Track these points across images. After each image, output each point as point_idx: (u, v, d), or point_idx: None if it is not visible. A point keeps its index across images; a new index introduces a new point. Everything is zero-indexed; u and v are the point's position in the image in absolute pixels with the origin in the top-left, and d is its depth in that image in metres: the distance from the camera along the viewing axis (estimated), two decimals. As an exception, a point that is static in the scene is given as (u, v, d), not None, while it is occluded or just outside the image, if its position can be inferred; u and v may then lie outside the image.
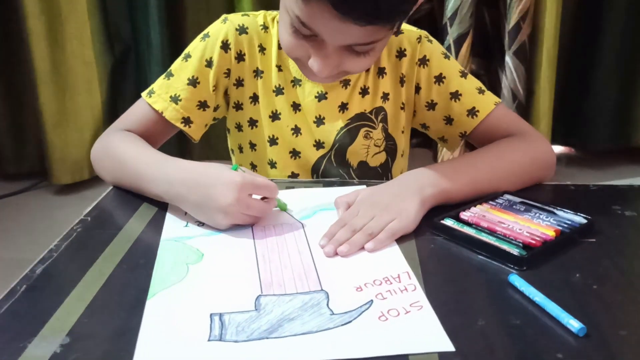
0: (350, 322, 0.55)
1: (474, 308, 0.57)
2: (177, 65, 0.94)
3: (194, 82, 0.92)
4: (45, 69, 2.13)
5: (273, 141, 0.96)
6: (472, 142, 0.97)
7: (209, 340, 0.52)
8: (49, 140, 2.20)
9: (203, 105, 0.93)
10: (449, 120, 0.96)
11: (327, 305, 0.57)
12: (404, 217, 0.72)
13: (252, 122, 0.97)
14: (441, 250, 0.69)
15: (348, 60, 0.80)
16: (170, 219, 0.76)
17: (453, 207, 0.76)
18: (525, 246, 0.66)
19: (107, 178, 0.89)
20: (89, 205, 0.80)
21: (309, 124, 0.95)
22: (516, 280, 0.60)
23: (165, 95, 0.91)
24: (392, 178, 0.98)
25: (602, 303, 0.58)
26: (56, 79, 2.17)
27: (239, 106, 0.97)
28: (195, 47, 0.94)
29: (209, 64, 0.92)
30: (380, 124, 0.97)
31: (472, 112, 0.94)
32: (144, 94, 0.93)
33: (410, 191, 0.75)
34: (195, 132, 0.94)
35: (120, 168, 0.85)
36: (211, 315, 0.56)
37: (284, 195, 0.82)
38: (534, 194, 0.81)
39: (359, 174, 0.97)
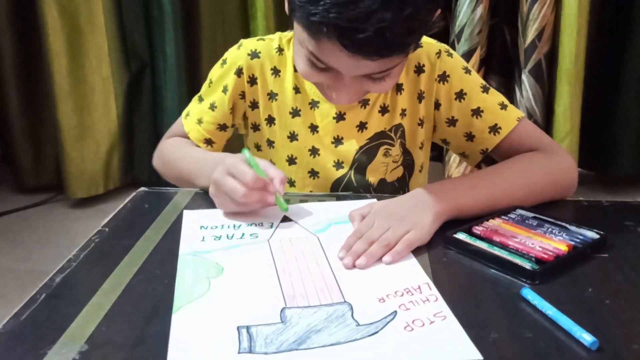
0: (377, 332, 0.55)
1: (486, 321, 0.58)
2: (204, 90, 1.02)
3: (213, 107, 0.98)
4: (64, 84, 2.17)
5: (292, 161, 0.98)
6: (495, 157, 0.95)
7: (239, 352, 0.53)
8: (66, 155, 2.23)
9: (223, 127, 1.00)
10: (470, 136, 0.95)
11: (352, 316, 0.58)
12: (419, 229, 0.73)
13: (270, 143, 0.99)
14: (454, 263, 0.70)
15: (367, 85, 0.82)
16: (186, 233, 0.77)
17: (466, 221, 0.77)
18: (538, 260, 0.67)
19: (168, 179, 1.02)
20: (103, 219, 0.82)
21: (327, 145, 0.96)
22: (529, 294, 0.60)
23: (194, 117, 1.00)
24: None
25: (615, 317, 0.58)
26: (74, 95, 2.20)
27: (256, 127, 1.00)
28: (215, 73, 1.00)
29: (225, 90, 0.97)
30: (399, 140, 0.97)
31: (494, 129, 0.92)
32: (183, 114, 1.03)
33: (425, 204, 0.76)
34: (217, 151, 1.00)
35: (172, 169, 0.99)
36: (238, 328, 0.56)
37: (297, 208, 0.83)
38: (547, 210, 0.81)
39: (378, 190, 0.98)
